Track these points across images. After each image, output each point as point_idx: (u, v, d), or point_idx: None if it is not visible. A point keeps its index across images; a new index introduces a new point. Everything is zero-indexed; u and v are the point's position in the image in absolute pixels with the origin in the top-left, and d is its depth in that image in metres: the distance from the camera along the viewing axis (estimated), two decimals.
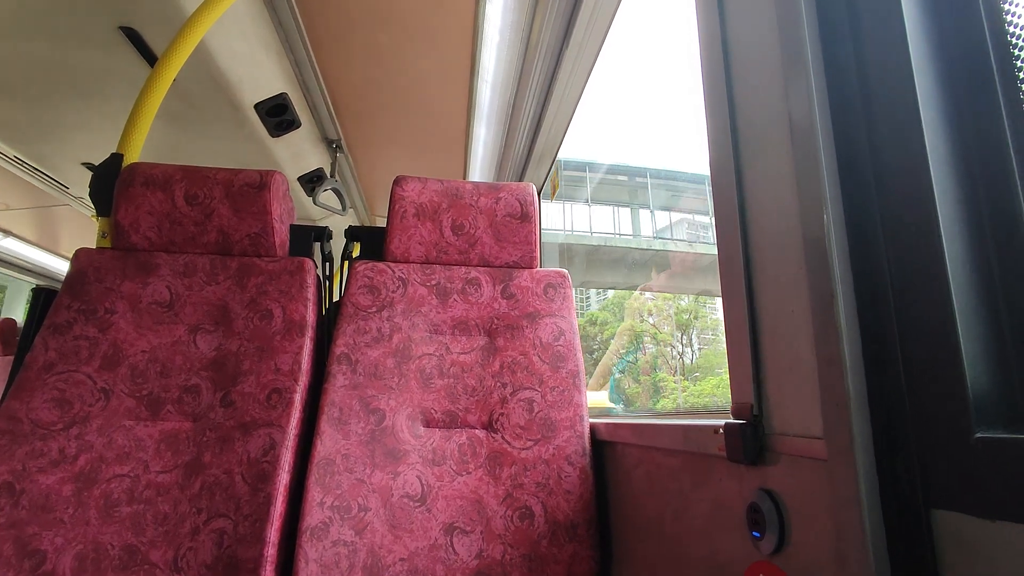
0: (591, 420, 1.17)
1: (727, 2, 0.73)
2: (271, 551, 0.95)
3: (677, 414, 1.25)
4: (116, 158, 1.27)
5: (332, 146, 2.51)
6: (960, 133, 0.47)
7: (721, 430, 0.66)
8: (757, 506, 0.60)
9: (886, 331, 0.49)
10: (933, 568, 0.43)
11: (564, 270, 1.30)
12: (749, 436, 0.61)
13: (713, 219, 0.73)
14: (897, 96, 0.49)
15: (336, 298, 1.30)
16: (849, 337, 0.49)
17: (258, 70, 1.87)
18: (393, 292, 1.22)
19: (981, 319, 0.44)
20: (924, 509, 0.44)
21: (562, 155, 2.24)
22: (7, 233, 3.23)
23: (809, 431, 0.54)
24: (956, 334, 0.43)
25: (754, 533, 0.60)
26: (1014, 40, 0.45)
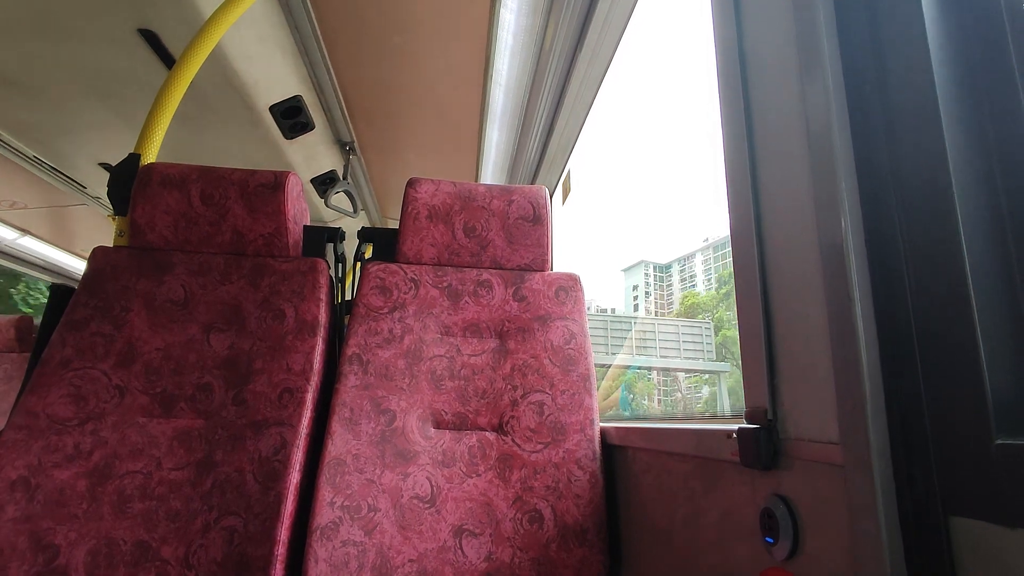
0: (601, 424, 1.16)
1: (743, 3, 0.72)
2: (281, 550, 0.96)
3: (689, 419, 1.24)
4: (134, 158, 1.29)
5: (345, 148, 2.53)
6: (980, 135, 0.47)
7: (734, 435, 0.65)
8: (771, 512, 0.59)
9: (904, 335, 0.48)
10: None
11: (576, 273, 1.30)
12: (763, 441, 0.61)
13: (728, 221, 0.72)
14: (916, 98, 0.49)
15: (348, 299, 1.31)
16: (867, 341, 0.49)
17: (273, 72, 1.89)
18: (405, 293, 1.22)
19: (1002, 323, 0.43)
20: (942, 516, 0.44)
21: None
22: (25, 232, 3.27)
23: (825, 436, 0.54)
24: (976, 338, 0.43)
25: (767, 539, 0.60)
26: None
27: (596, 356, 1.26)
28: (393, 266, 1.25)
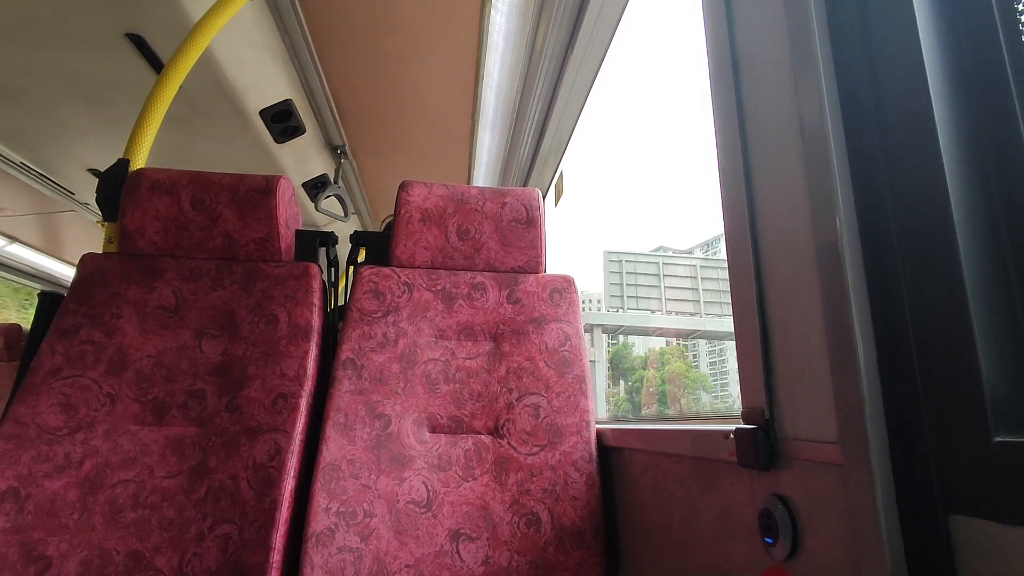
0: (598, 426, 1.16)
1: (735, 3, 0.72)
2: (276, 557, 0.95)
3: (685, 419, 1.24)
4: (122, 163, 1.28)
5: (336, 152, 2.52)
6: (974, 133, 0.47)
7: (731, 435, 0.65)
8: (769, 512, 0.59)
9: (901, 334, 0.48)
10: (952, 575, 0.42)
11: (570, 275, 1.30)
12: (761, 441, 0.61)
13: (722, 221, 0.72)
14: (910, 96, 0.49)
15: (342, 303, 1.30)
16: (863, 340, 0.49)
17: (263, 76, 1.88)
18: (399, 297, 1.22)
19: (998, 321, 0.43)
20: (942, 514, 0.44)
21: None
22: (12, 239, 3.24)
23: (823, 436, 0.53)
24: (973, 336, 0.43)
25: (766, 539, 0.60)
26: None
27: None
28: (386, 270, 1.25)
